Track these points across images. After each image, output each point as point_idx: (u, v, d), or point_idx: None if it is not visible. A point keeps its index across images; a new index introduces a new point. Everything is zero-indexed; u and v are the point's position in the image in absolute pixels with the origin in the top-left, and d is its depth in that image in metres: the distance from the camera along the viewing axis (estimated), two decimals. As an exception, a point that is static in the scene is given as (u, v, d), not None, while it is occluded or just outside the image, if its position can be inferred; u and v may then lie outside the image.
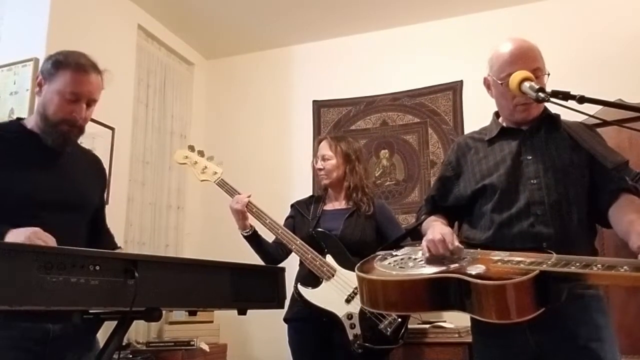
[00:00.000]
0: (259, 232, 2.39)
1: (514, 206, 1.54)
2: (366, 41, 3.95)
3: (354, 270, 2.19)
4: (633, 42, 3.25)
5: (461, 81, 3.63)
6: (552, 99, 1.35)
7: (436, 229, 1.51)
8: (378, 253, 1.63)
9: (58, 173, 1.63)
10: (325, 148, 2.48)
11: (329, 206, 2.48)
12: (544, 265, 1.22)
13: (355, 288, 2.18)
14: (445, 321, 2.96)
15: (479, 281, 1.23)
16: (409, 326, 2.28)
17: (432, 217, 1.70)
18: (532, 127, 1.62)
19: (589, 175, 1.55)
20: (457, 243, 1.46)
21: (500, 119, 1.71)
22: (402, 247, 1.66)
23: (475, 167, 1.66)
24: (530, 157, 1.58)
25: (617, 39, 3.28)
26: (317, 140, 2.63)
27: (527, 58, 1.56)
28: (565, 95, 1.36)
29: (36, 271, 0.99)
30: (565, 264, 1.21)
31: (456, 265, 1.37)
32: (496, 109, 1.73)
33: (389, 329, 2.13)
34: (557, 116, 1.63)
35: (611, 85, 2.89)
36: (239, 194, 2.37)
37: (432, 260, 1.45)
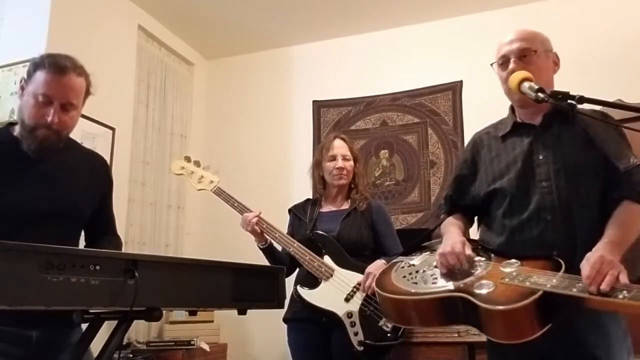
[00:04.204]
0: (274, 245, 2.39)
1: (525, 211, 1.51)
2: (366, 41, 3.95)
3: (352, 270, 2.24)
4: (633, 43, 3.25)
5: (461, 81, 3.64)
6: (551, 100, 1.35)
7: (447, 240, 1.54)
8: (397, 260, 1.65)
9: (40, 182, 1.53)
10: (344, 148, 2.47)
11: (325, 208, 2.49)
12: (548, 286, 1.24)
13: (354, 287, 2.19)
14: (445, 321, 2.96)
15: (485, 305, 1.27)
16: (409, 325, 2.29)
17: (450, 220, 1.71)
18: (545, 121, 1.57)
19: (603, 174, 1.48)
20: (468, 252, 1.48)
21: (515, 113, 1.66)
22: (423, 247, 1.67)
23: (487, 168, 1.65)
24: (542, 157, 1.54)
25: (617, 39, 3.28)
26: (328, 138, 2.58)
27: (520, 38, 1.56)
28: (565, 96, 1.36)
29: (36, 271, 0.99)
30: (567, 286, 1.23)
31: (466, 280, 1.40)
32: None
33: (388, 325, 2.14)
34: (572, 105, 1.50)
35: (611, 85, 2.90)
36: (249, 210, 2.36)
37: (445, 272, 1.48)
